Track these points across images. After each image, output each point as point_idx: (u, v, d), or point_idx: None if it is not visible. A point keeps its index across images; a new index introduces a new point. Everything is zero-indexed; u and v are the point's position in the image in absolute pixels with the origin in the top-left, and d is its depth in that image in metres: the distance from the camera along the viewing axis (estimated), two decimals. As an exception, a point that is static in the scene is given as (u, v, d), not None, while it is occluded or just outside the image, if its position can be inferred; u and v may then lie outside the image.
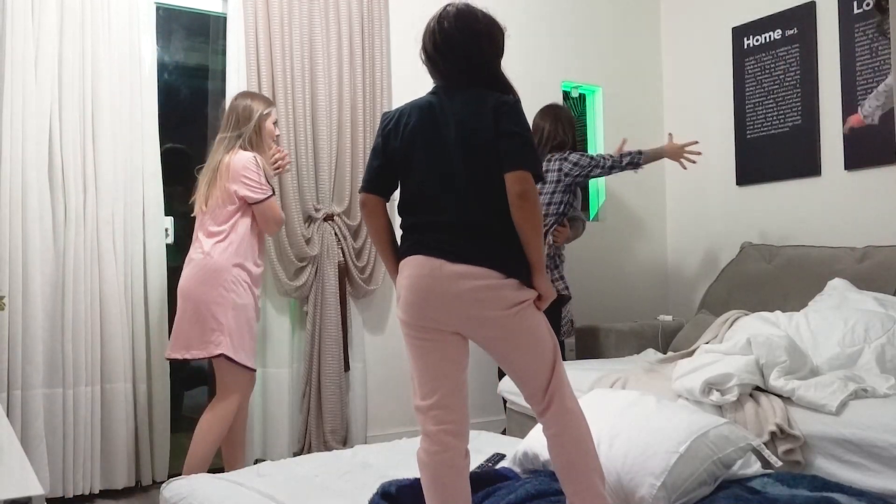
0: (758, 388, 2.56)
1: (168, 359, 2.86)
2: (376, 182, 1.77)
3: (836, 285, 3.27)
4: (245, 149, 2.84)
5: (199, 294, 2.73)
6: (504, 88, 1.77)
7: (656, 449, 1.86)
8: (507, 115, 1.67)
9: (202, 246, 2.78)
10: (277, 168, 3.06)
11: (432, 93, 1.79)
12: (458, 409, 1.68)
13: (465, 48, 1.76)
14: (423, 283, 1.64)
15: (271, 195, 2.85)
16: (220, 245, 2.77)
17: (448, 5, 1.82)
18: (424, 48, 1.82)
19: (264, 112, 2.91)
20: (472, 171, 1.66)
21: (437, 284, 1.62)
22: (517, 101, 1.71)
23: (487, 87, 1.74)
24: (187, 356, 2.78)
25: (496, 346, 1.68)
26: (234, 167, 2.77)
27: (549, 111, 3.65)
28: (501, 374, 3.48)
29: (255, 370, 2.87)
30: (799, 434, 2.32)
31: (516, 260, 1.64)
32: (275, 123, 2.99)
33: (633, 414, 2.02)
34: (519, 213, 1.63)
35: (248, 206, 2.82)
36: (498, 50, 1.80)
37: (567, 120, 3.63)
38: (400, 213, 1.78)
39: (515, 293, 1.63)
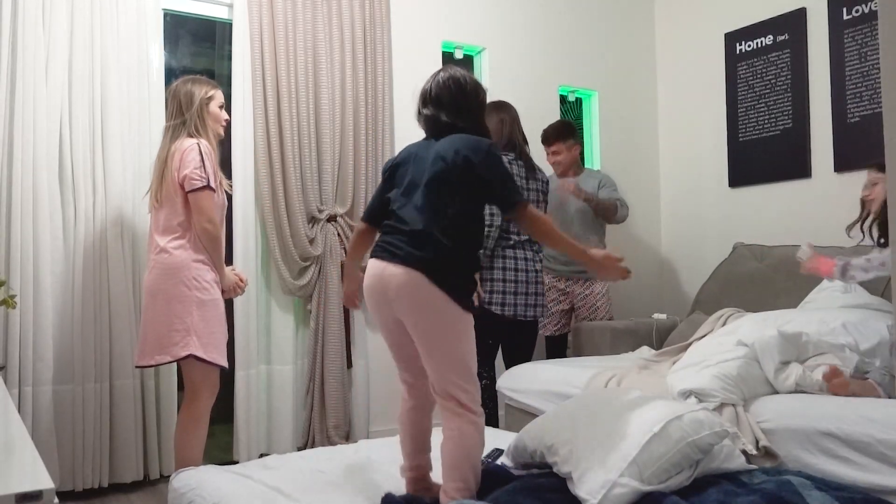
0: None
1: (137, 366, 2.72)
2: (373, 214, 2.13)
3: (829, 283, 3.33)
4: (191, 136, 2.67)
5: (162, 294, 2.59)
6: (484, 134, 2.06)
7: (631, 430, 1.90)
8: (493, 158, 1.96)
9: (159, 244, 2.63)
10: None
11: (424, 139, 2.12)
12: (420, 372, 2.03)
13: (452, 98, 2.07)
14: (371, 283, 1.96)
15: (206, 187, 2.63)
16: (177, 241, 2.62)
17: (440, 70, 2.13)
18: (421, 103, 2.12)
19: (206, 95, 2.72)
20: (433, 191, 1.94)
21: (378, 283, 1.93)
22: (492, 143, 2.00)
23: (475, 134, 2.03)
24: (151, 363, 2.63)
25: (415, 337, 1.95)
26: (180, 153, 2.63)
27: (493, 108, 3.36)
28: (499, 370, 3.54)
29: (226, 367, 2.72)
30: (777, 454, 2.36)
31: (446, 268, 1.88)
32: (221, 107, 2.79)
33: (615, 404, 2.06)
34: (534, 235, 2.00)
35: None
36: (481, 103, 2.11)
37: (513, 118, 3.43)
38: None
39: (435, 294, 1.87)
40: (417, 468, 2.05)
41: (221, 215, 2.74)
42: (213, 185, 2.66)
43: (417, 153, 2.05)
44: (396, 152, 3.80)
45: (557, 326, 4.04)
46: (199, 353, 2.60)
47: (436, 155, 1.98)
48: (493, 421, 3.43)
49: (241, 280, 2.86)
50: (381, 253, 1.95)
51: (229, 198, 3.46)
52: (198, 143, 2.65)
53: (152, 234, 2.70)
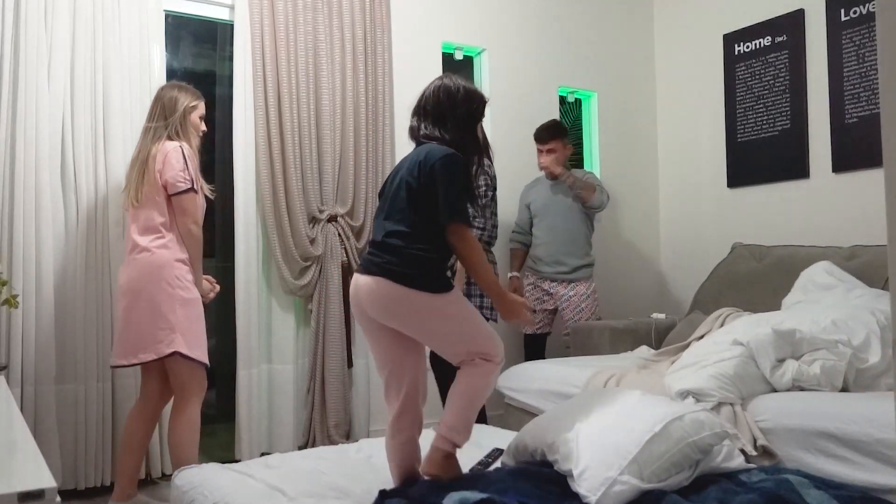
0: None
1: (114, 367, 2.72)
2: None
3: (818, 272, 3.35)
4: (171, 139, 2.73)
5: (145, 292, 2.61)
6: (469, 147, 2.08)
7: (632, 429, 1.92)
8: (438, 169, 1.96)
9: (139, 243, 2.65)
10: None
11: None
12: (404, 384, 2.09)
13: (437, 107, 2.09)
14: (351, 296, 2.09)
15: (191, 189, 2.69)
16: (159, 240, 2.65)
17: (437, 78, 2.16)
18: (411, 113, 2.16)
19: (190, 104, 2.79)
20: (395, 202, 2.02)
21: (354, 296, 2.06)
22: (451, 154, 1.99)
23: (451, 144, 2.04)
24: (135, 361, 2.64)
25: (415, 336, 2.04)
26: (162, 154, 2.68)
27: None
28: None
29: (209, 365, 2.74)
30: (775, 453, 2.37)
31: (402, 265, 1.95)
32: (201, 118, 2.86)
33: (615, 403, 2.08)
34: (462, 255, 2.00)
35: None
36: (472, 114, 2.12)
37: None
38: None
39: (399, 291, 1.94)
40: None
41: (202, 217, 2.80)
42: (196, 187, 2.71)
43: (397, 168, 2.11)
44: (396, 153, 3.85)
45: (539, 326, 4.06)
46: (184, 351, 2.63)
47: (404, 167, 2.05)
48: (482, 418, 3.45)
49: (213, 284, 2.92)
50: (360, 266, 2.06)
51: (232, 198, 3.49)
52: (181, 146, 2.70)
53: (130, 233, 2.72)
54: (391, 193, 2.05)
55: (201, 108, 2.86)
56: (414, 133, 2.12)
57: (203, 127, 2.88)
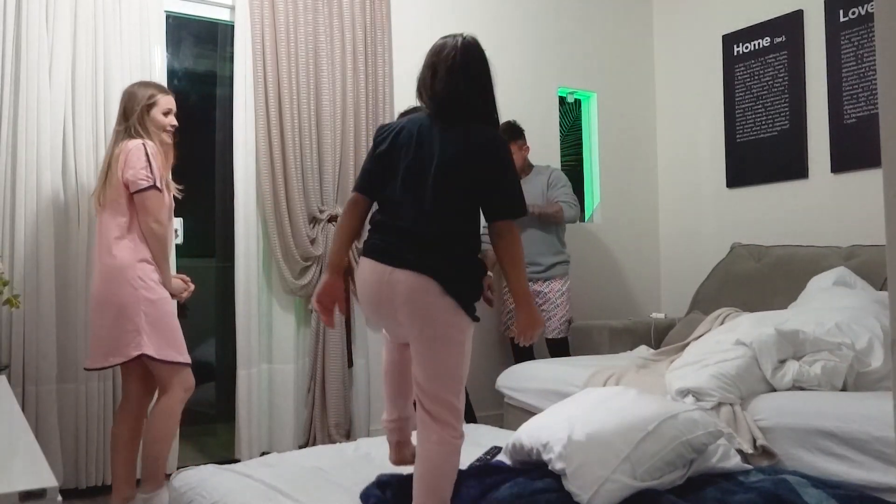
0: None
1: (88, 369, 2.70)
2: (371, 185, 1.92)
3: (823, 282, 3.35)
4: (133, 138, 2.64)
5: (109, 296, 2.57)
6: (494, 121, 1.88)
7: (626, 428, 1.93)
8: (501, 157, 1.80)
9: (104, 246, 2.61)
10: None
11: (428, 115, 1.87)
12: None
13: (471, 71, 1.84)
14: (375, 288, 1.82)
15: (152, 187, 2.60)
16: (121, 242, 2.60)
17: (455, 37, 1.88)
18: (429, 71, 1.87)
19: (147, 101, 2.67)
20: (442, 192, 1.79)
21: (384, 288, 1.80)
22: (502, 138, 1.84)
23: (480, 119, 1.84)
24: (106, 364, 2.62)
25: (415, 342, 1.82)
26: (125, 154, 2.60)
27: None
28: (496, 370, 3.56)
29: (188, 363, 2.68)
30: (775, 453, 2.38)
31: (457, 275, 1.79)
32: (166, 113, 2.73)
33: (610, 403, 2.09)
34: (506, 253, 1.83)
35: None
36: (493, 84, 1.89)
37: None
38: (378, 207, 1.94)
39: (446, 302, 1.76)
40: (399, 420, 2.06)
41: (169, 216, 2.72)
42: (159, 185, 2.63)
43: (421, 138, 1.82)
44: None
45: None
46: (151, 353, 2.58)
47: (445, 147, 1.78)
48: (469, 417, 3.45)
49: (186, 283, 2.85)
50: (382, 256, 1.80)
51: (232, 198, 3.50)
52: (143, 144, 2.62)
53: (97, 237, 2.69)
54: (430, 175, 1.78)
55: (164, 103, 2.72)
56: (447, 102, 1.82)
57: (172, 122, 2.75)
